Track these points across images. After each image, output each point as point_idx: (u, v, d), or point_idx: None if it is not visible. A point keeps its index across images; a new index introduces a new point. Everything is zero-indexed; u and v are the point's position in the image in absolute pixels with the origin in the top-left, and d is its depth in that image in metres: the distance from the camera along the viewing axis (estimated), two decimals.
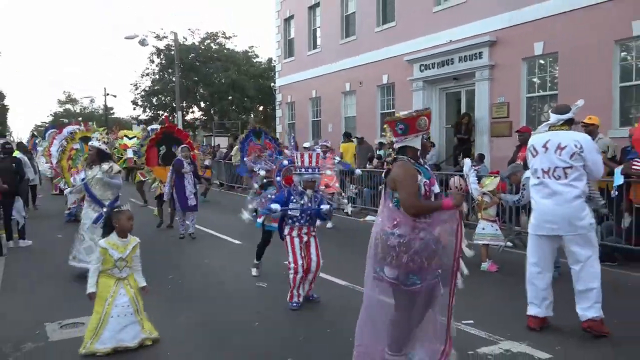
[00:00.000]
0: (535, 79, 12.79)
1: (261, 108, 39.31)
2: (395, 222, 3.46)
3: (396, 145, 3.67)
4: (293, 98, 23.19)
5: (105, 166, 6.83)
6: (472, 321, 5.01)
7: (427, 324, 3.69)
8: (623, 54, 10.88)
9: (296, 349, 4.51)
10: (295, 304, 5.59)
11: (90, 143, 7.26)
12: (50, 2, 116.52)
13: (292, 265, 5.59)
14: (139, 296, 4.58)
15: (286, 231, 5.70)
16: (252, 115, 39.55)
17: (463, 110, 14.84)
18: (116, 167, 7.00)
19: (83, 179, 7.14)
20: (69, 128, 10.09)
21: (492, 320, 5.01)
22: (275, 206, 5.47)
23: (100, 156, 6.93)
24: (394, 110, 16.95)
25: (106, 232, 4.60)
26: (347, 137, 15.58)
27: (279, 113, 24.68)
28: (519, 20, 12.60)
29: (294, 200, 5.62)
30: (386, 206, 3.60)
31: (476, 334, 4.74)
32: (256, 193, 6.75)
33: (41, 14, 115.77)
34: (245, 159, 9.92)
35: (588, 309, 4.60)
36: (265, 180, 6.80)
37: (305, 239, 5.67)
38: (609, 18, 10.65)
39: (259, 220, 6.77)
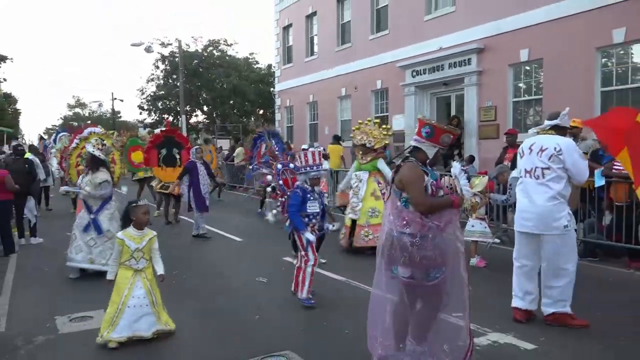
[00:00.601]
0: (521, 84, 12.82)
1: (261, 112, 39.22)
2: (405, 222, 3.40)
3: (412, 143, 3.62)
4: (291, 102, 23.19)
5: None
6: (460, 314, 5.00)
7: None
8: (604, 60, 10.92)
9: (295, 341, 4.51)
10: (312, 301, 5.42)
11: (85, 148, 6.90)
12: (50, 1, 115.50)
13: (311, 257, 5.47)
14: (156, 289, 4.60)
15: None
16: (252, 119, 39.50)
17: (453, 114, 14.86)
18: (102, 176, 6.67)
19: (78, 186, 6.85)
20: (90, 129, 9.91)
21: (480, 313, 5.01)
22: (312, 237, 5.37)
23: (93, 163, 6.71)
24: (387, 114, 16.99)
25: (124, 225, 4.64)
26: (336, 139, 15.56)
27: (278, 116, 24.68)
28: (506, 29, 12.63)
29: (311, 199, 5.52)
30: (394, 205, 3.54)
31: (465, 326, 4.73)
32: (272, 197, 6.65)
33: (40, 14, 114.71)
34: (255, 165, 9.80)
35: (550, 304, 4.70)
36: (273, 184, 6.73)
37: (316, 235, 5.61)
38: (591, 26, 10.69)
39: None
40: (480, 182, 7.29)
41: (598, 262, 7.17)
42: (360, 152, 8.39)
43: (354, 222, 8.11)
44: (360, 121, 8.85)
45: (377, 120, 8.76)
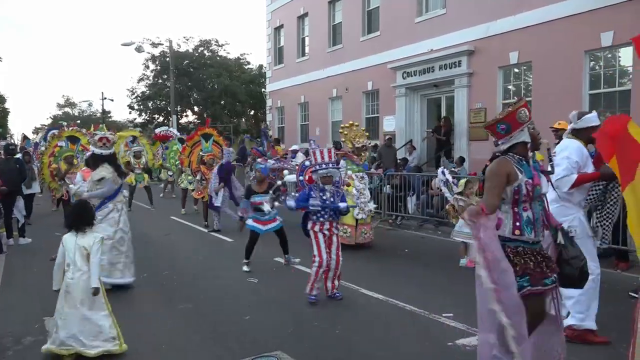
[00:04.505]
0: (510, 86, 12.90)
1: (252, 112, 39.17)
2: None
3: (503, 147, 3.28)
4: (282, 103, 23.17)
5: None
6: (451, 314, 5.05)
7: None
8: (592, 63, 11.03)
9: (286, 341, 4.51)
10: (313, 297, 5.53)
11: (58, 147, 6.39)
12: (47, 1, 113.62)
13: (317, 258, 5.54)
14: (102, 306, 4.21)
15: (309, 226, 5.65)
16: (243, 119, 39.42)
17: (443, 115, 14.93)
18: (100, 172, 6.05)
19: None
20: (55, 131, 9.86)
21: (470, 313, 5.03)
22: (290, 204, 5.61)
23: (93, 160, 6.20)
24: (378, 115, 17.04)
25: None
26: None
27: (269, 117, 24.64)
28: (496, 31, 12.72)
29: (313, 196, 5.57)
30: None
31: (455, 327, 4.77)
32: (282, 191, 6.81)
33: (36, 13, 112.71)
34: (259, 160, 9.87)
35: (568, 316, 4.44)
36: (280, 183, 6.81)
37: (328, 235, 5.61)
38: (580, 30, 10.78)
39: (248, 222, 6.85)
40: (462, 183, 7.17)
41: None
42: (360, 154, 8.50)
43: (357, 220, 8.27)
44: (351, 122, 8.92)
45: (352, 122, 8.96)
